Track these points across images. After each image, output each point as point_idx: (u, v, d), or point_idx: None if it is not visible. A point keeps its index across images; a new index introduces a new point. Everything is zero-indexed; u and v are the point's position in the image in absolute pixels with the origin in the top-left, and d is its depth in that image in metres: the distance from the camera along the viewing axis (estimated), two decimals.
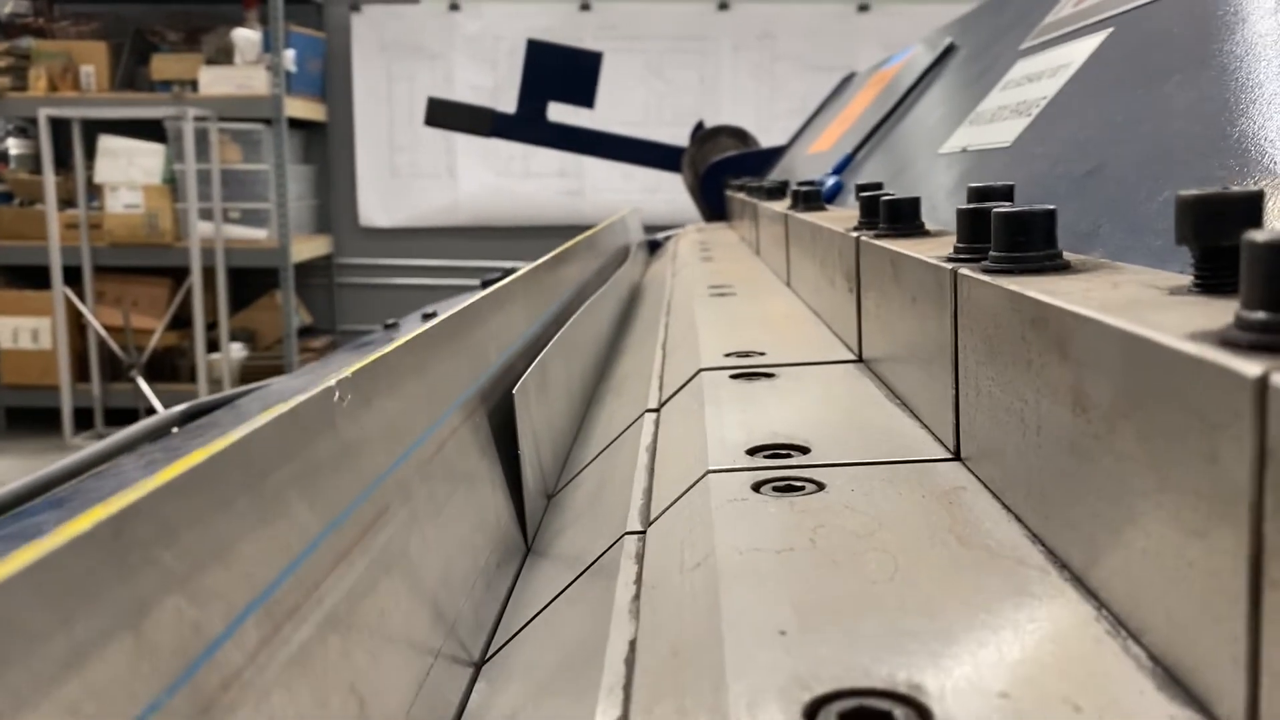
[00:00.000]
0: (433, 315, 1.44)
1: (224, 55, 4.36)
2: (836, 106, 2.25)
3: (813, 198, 1.04)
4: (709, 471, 0.48)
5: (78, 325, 4.24)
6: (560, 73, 2.59)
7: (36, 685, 0.22)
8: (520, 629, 0.50)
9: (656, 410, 0.70)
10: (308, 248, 4.52)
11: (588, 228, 1.48)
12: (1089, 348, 0.31)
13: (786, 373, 0.68)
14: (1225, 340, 0.25)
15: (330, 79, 4.73)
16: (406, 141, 4.70)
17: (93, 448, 0.93)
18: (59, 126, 4.13)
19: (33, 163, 4.39)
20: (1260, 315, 0.24)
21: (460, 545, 0.51)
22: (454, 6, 4.67)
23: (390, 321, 1.42)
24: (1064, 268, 0.40)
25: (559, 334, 0.84)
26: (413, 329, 0.53)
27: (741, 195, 1.82)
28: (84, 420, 4.21)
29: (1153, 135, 0.56)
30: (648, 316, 1.27)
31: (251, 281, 4.46)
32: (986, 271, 0.41)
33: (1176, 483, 0.26)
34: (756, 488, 0.45)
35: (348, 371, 0.41)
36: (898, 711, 0.27)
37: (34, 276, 4.23)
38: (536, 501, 0.66)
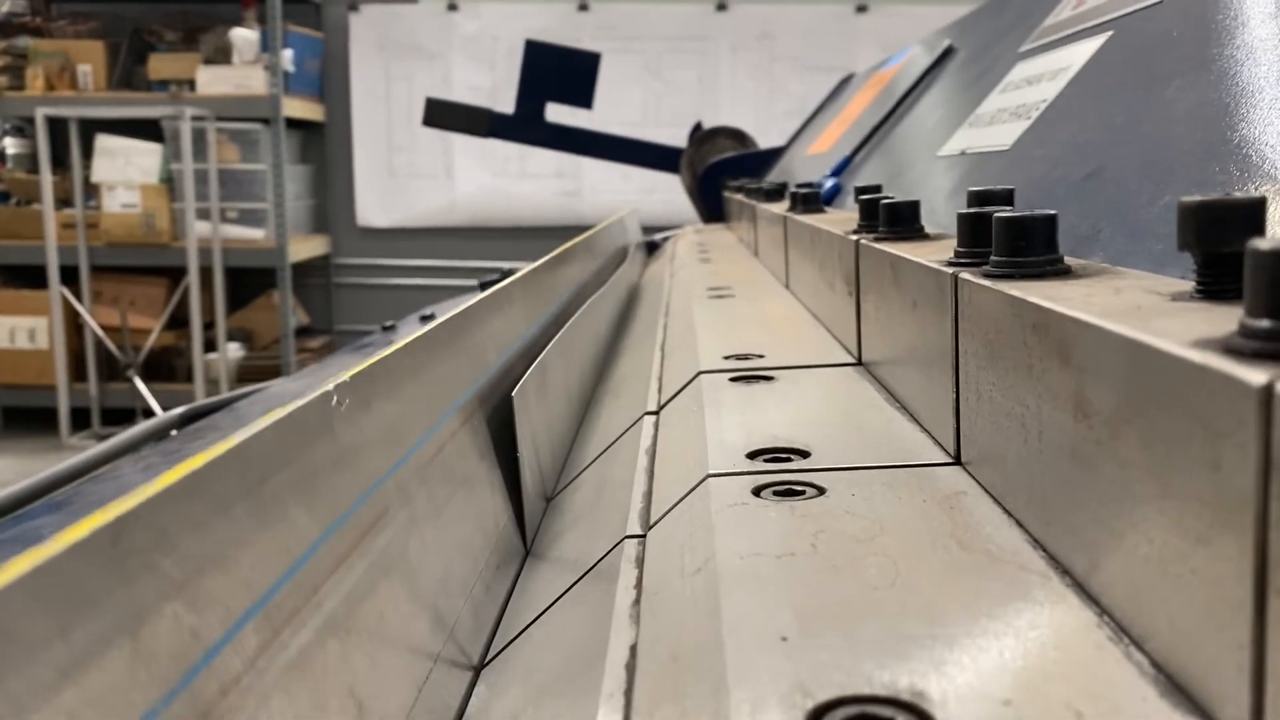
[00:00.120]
0: (431, 317, 1.44)
1: (222, 55, 4.36)
2: (835, 108, 2.25)
3: (811, 200, 1.03)
4: (709, 475, 0.48)
5: (75, 325, 4.24)
6: (558, 73, 2.59)
7: (35, 693, 0.22)
8: (520, 632, 0.50)
9: (656, 413, 0.70)
10: (305, 248, 4.51)
11: (585, 228, 1.48)
12: (1091, 354, 0.31)
13: (786, 376, 0.68)
14: (1229, 348, 0.25)
15: (328, 79, 4.73)
16: (404, 141, 4.70)
17: (91, 451, 0.93)
18: (56, 126, 4.12)
19: (30, 162, 4.38)
20: (1264, 323, 0.24)
21: (459, 548, 0.51)
22: (452, 6, 4.67)
23: (388, 324, 1.42)
24: (1065, 273, 0.40)
25: (558, 336, 0.84)
26: (411, 331, 0.53)
27: (740, 197, 1.82)
28: (81, 420, 4.20)
29: (1153, 139, 0.56)
30: (646, 317, 1.27)
31: (249, 281, 4.46)
32: (988, 276, 0.41)
33: (1179, 490, 0.26)
34: (757, 492, 0.45)
35: (346, 376, 0.41)
36: (900, 718, 0.27)
37: (31, 276, 4.22)
38: (535, 504, 0.66)
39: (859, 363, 0.70)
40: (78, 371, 4.23)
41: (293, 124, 4.42)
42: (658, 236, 2.35)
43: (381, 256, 4.80)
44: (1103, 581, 0.32)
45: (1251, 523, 0.23)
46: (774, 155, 2.47)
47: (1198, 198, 0.32)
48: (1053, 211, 0.41)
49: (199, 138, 4.09)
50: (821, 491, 0.44)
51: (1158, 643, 0.28)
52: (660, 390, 0.75)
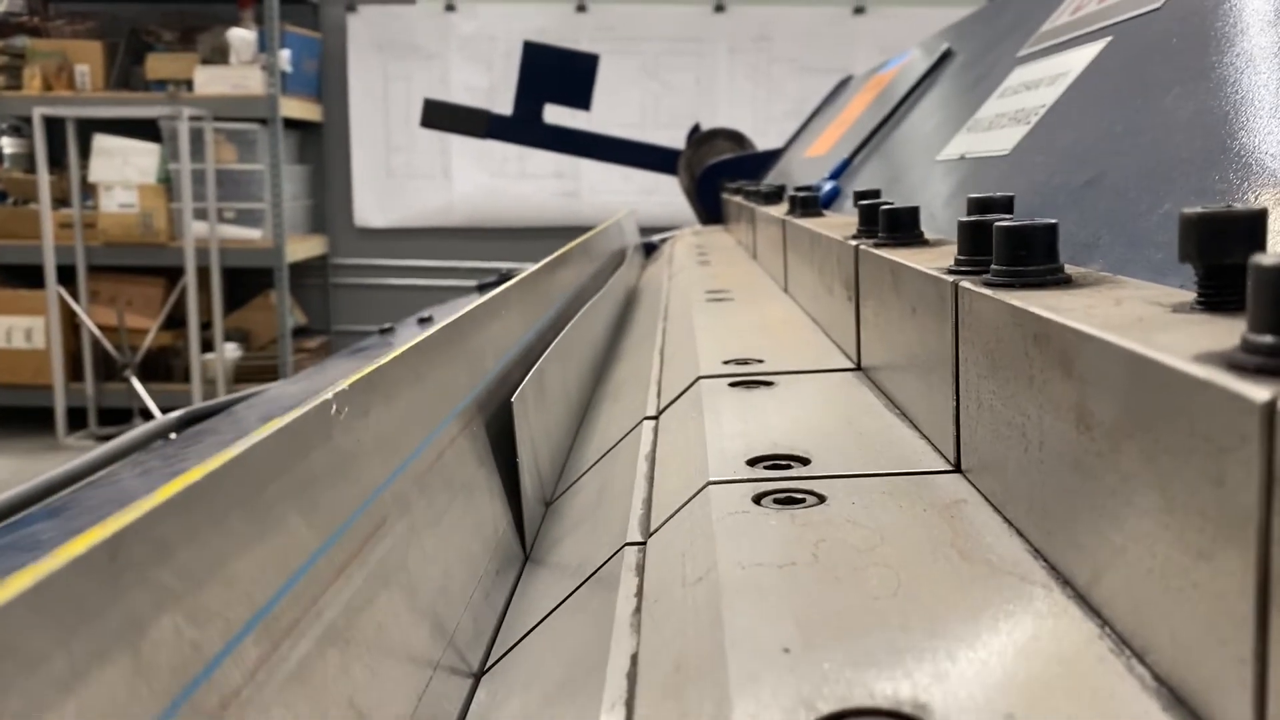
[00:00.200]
0: (429, 320, 1.44)
1: (219, 55, 4.35)
2: (833, 110, 2.25)
3: (810, 204, 1.03)
4: (709, 483, 0.48)
5: (72, 325, 4.23)
6: (557, 75, 2.59)
7: (35, 708, 0.22)
8: (520, 639, 0.50)
9: (655, 418, 0.70)
10: (303, 248, 4.51)
11: (584, 229, 1.48)
12: (1093, 366, 0.31)
13: (785, 381, 0.68)
14: (1232, 363, 0.25)
15: (326, 79, 4.73)
16: (402, 142, 4.70)
17: (89, 454, 0.93)
18: (53, 125, 4.12)
19: (27, 162, 4.38)
20: (1267, 339, 0.24)
21: (459, 555, 0.51)
22: (450, 7, 4.67)
23: (386, 326, 1.42)
24: (1066, 282, 0.40)
25: (556, 340, 0.84)
26: (409, 335, 0.53)
27: (738, 199, 1.82)
28: (78, 420, 4.19)
29: (1152, 146, 0.56)
30: (644, 320, 1.26)
31: (246, 281, 4.46)
32: (988, 285, 0.41)
33: (1182, 504, 0.26)
34: (757, 499, 0.45)
35: (345, 384, 0.41)
36: None
37: (28, 275, 4.22)
38: (535, 509, 0.66)
39: (858, 368, 0.70)
40: (74, 371, 4.23)
41: (290, 124, 4.41)
42: (656, 238, 2.35)
43: (379, 257, 4.80)
44: (1104, 593, 0.32)
45: (1254, 538, 0.23)
46: (772, 157, 2.47)
47: (1199, 209, 0.32)
48: (1053, 221, 0.41)
49: (196, 138, 4.09)
50: (822, 499, 0.44)
51: (1160, 656, 0.28)
52: (659, 395, 0.75)
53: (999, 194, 0.55)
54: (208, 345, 4.23)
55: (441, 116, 2.70)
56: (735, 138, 2.68)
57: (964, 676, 0.29)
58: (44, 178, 4.04)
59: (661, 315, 1.14)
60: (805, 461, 0.50)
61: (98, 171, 4.19)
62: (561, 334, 0.87)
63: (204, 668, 0.27)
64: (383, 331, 1.39)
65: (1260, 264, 0.24)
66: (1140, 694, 0.28)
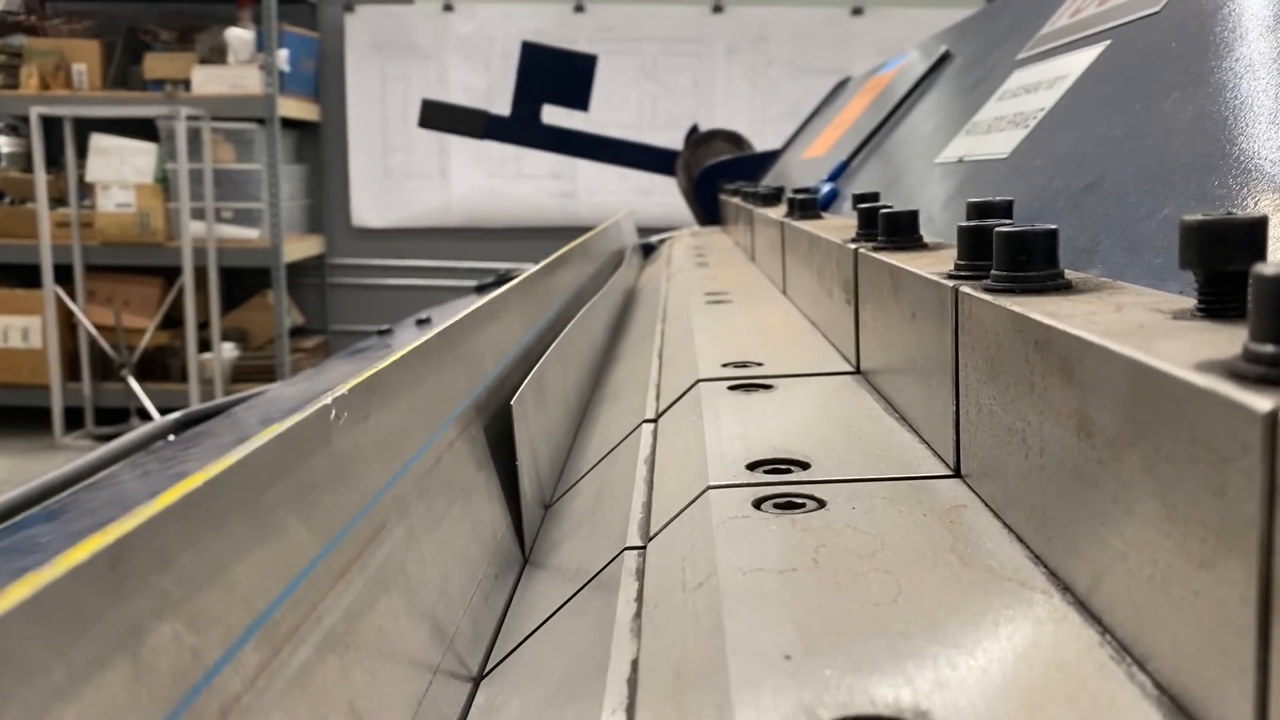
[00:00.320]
0: (427, 321, 1.44)
1: (217, 54, 4.35)
2: (831, 111, 2.26)
3: (809, 206, 1.03)
4: (709, 487, 0.48)
5: (68, 324, 4.23)
6: (555, 75, 2.59)
7: (36, 717, 0.22)
8: (519, 643, 0.50)
9: (654, 421, 0.70)
10: (300, 248, 4.51)
11: (581, 229, 1.48)
12: (1095, 373, 0.31)
13: (785, 384, 0.68)
14: (1234, 372, 0.25)
15: (324, 79, 4.73)
16: (399, 142, 4.69)
17: (87, 456, 0.92)
18: (51, 125, 4.12)
19: (24, 161, 4.37)
20: (1269, 349, 0.24)
21: (458, 559, 0.51)
22: (448, 7, 4.66)
23: (384, 328, 1.42)
24: (1066, 288, 0.40)
25: (555, 342, 0.84)
26: (407, 336, 0.53)
27: (736, 200, 1.82)
28: (74, 420, 4.19)
29: (1151, 151, 0.56)
30: (643, 322, 1.26)
31: (243, 281, 4.45)
32: (989, 291, 0.41)
33: (1183, 512, 0.26)
34: (758, 504, 0.45)
35: (344, 389, 0.41)
36: None
37: (25, 275, 4.21)
38: (534, 511, 0.66)
39: (857, 371, 0.70)
40: (71, 371, 4.22)
41: (288, 124, 4.41)
42: (654, 239, 2.35)
43: (376, 257, 4.80)
44: (1104, 600, 0.32)
45: (1256, 548, 0.23)
46: (770, 158, 2.47)
47: (1199, 216, 0.32)
48: (1054, 226, 0.41)
49: (194, 137, 4.08)
50: (822, 504, 0.44)
51: (1160, 664, 0.28)
52: (658, 398, 0.75)
53: (998, 198, 0.55)
54: (205, 345, 4.22)
55: (439, 117, 2.70)
56: (733, 139, 2.68)
57: (964, 684, 0.29)
58: (41, 177, 4.04)
59: (660, 317, 1.14)
60: (805, 466, 0.50)
61: (95, 171, 4.18)
62: (560, 336, 0.87)
63: (204, 675, 0.27)
64: (381, 333, 1.38)
65: (1262, 273, 0.24)
66: (1141, 702, 0.28)
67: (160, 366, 4.32)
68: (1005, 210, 0.54)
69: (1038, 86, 0.84)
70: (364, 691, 0.36)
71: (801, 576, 0.37)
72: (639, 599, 0.42)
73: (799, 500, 0.45)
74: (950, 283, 0.46)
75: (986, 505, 0.42)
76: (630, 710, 0.34)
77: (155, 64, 4.34)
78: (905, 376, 0.56)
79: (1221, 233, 0.31)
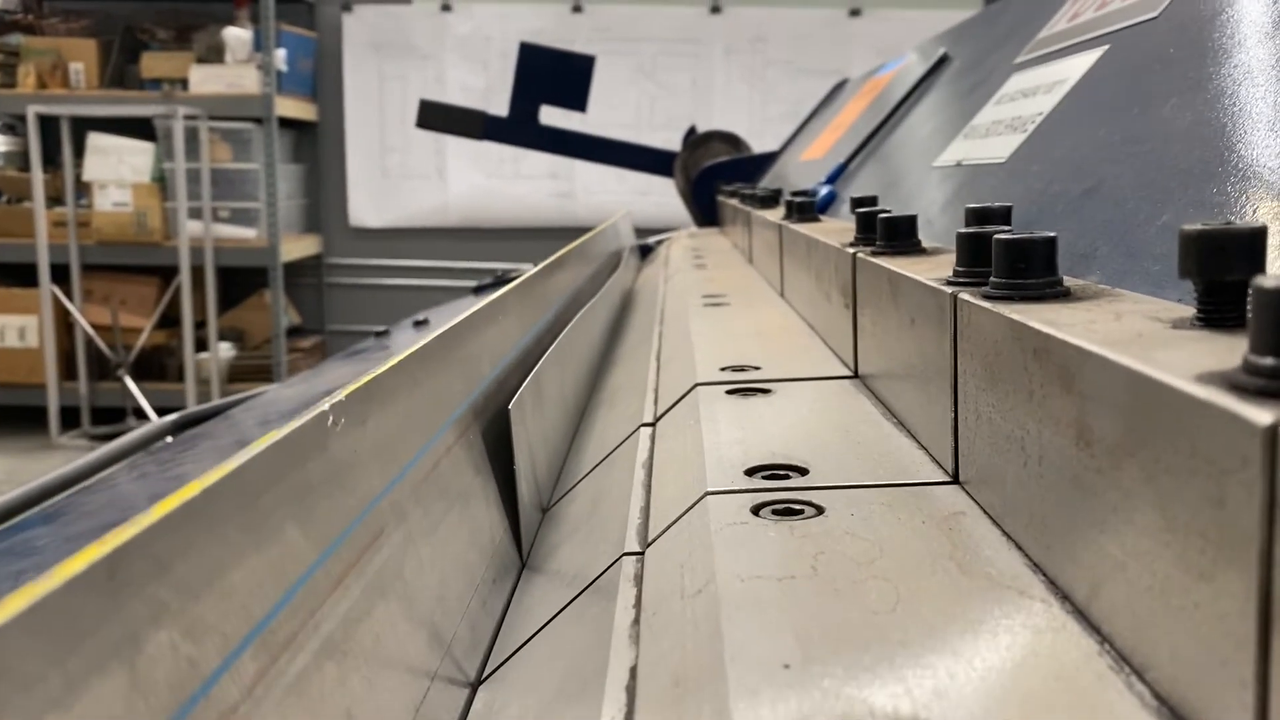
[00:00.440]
0: (424, 323, 1.43)
1: (215, 54, 4.34)
2: (829, 113, 2.26)
3: (806, 209, 1.03)
4: (708, 493, 0.48)
5: (65, 323, 4.22)
6: (553, 76, 2.59)
7: None
8: (518, 648, 0.50)
9: (652, 424, 0.70)
10: (297, 247, 4.50)
11: (579, 230, 1.48)
12: (1094, 383, 0.31)
13: (783, 388, 0.68)
14: (1234, 384, 0.25)
15: (321, 79, 4.72)
16: (397, 142, 4.69)
17: (85, 458, 0.92)
18: (48, 124, 4.11)
19: (21, 160, 4.37)
20: (1269, 361, 0.24)
21: (456, 564, 0.51)
22: (446, 7, 4.66)
23: (381, 330, 1.42)
24: (1065, 295, 0.40)
25: (553, 345, 0.84)
26: (405, 338, 0.53)
27: (734, 202, 1.82)
28: (71, 419, 4.18)
29: (1150, 157, 0.56)
30: (640, 324, 1.26)
31: (240, 281, 4.45)
32: (987, 298, 0.41)
33: (1183, 523, 0.26)
34: (756, 510, 0.45)
35: (341, 395, 0.41)
36: None
37: (21, 274, 4.20)
38: (532, 515, 0.66)
39: (855, 375, 0.70)
40: (68, 370, 4.21)
41: (285, 123, 4.40)
42: (652, 240, 2.35)
43: (374, 257, 4.79)
44: (1103, 609, 0.32)
45: (1256, 561, 0.23)
46: (768, 160, 2.47)
47: (1199, 226, 0.32)
48: (1052, 234, 0.41)
49: (191, 137, 4.08)
50: (820, 511, 0.44)
51: (1159, 674, 0.28)
52: (656, 402, 0.75)
53: (997, 204, 0.55)
54: (202, 345, 4.22)
55: (437, 118, 2.69)
56: (731, 140, 2.68)
57: (963, 693, 0.29)
58: (38, 176, 4.03)
59: (658, 319, 1.14)
60: (803, 471, 0.50)
61: (92, 170, 4.18)
62: (558, 339, 0.87)
63: (201, 684, 0.27)
64: (378, 335, 1.38)
65: (1262, 286, 0.24)
66: (1139, 712, 0.28)
67: (157, 366, 4.31)
68: (1004, 216, 0.54)
69: (1036, 91, 0.84)
70: (361, 699, 0.36)
71: (800, 584, 0.37)
72: (637, 605, 0.42)
73: (797, 506, 0.45)
74: (949, 289, 0.46)
75: (985, 512, 0.42)
76: (629, 718, 0.34)
77: (152, 63, 4.34)
78: (904, 382, 0.56)
79: (1220, 243, 0.31)
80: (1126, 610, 0.30)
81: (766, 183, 2.14)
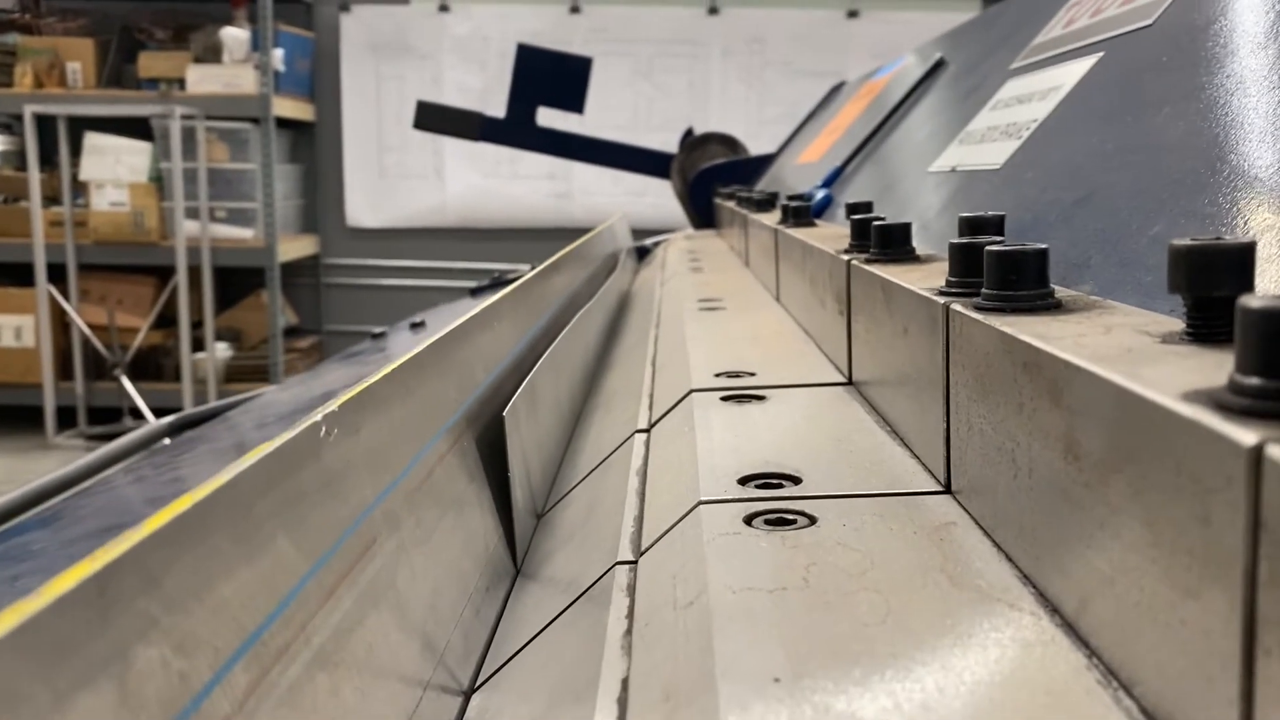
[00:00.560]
0: (421, 325, 1.43)
1: (212, 54, 4.34)
2: (826, 116, 2.26)
3: (802, 214, 1.04)
4: (701, 502, 0.48)
5: (61, 323, 4.22)
6: (550, 78, 2.59)
7: None
8: (511, 657, 0.50)
9: (647, 431, 0.70)
10: (294, 247, 4.50)
11: (576, 230, 1.48)
12: (1082, 398, 0.31)
13: (777, 395, 0.68)
14: (1219, 403, 0.25)
15: (319, 79, 4.72)
16: (395, 142, 4.69)
17: (81, 460, 0.92)
18: (44, 123, 4.10)
19: (18, 159, 4.36)
20: (1254, 381, 0.24)
21: (449, 572, 0.51)
22: (443, 8, 4.66)
23: (378, 331, 1.42)
24: (1056, 307, 0.41)
25: (548, 351, 0.84)
26: (401, 340, 0.53)
27: (731, 205, 1.82)
28: (67, 419, 4.18)
29: (1143, 166, 0.56)
30: (637, 327, 1.26)
31: (237, 281, 4.45)
32: (979, 309, 0.41)
33: (1169, 540, 0.26)
34: (749, 520, 0.45)
35: (334, 405, 0.41)
36: None
37: (18, 273, 4.20)
38: (526, 522, 0.66)
39: (849, 382, 0.70)
40: (64, 370, 4.21)
41: (283, 123, 4.40)
42: (649, 242, 2.35)
43: (371, 257, 4.79)
44: (1092, 623, 0.32)
45: (1241, 580, 0.23)
46: (765, 162, 2.47)
47: (1188, 241, 0.32)
48: (1044, 246, 0.42)
49: (188, 136, 4.08)
50: (813, 521, 0.44)
51: (1147, 689, 0.28)
52: (651, 408, 0.75)
53: (990, 213, 0.56)
54: (198, 345, 4.21)
55: (435, 119, 2.69)
56: (728, 142, 2.68)
57: (951, 708, 0.29)
58: (35, 176, 4.02)
59: (654, 323, 1.14)
60: (796, 480, 0.50)
61: (89, 170, 4.17)
62: (553, 344, 0.87)
63: (192, 699, 0.27)
64: (375, 337, 1.38)
65: (1248, 306, 0.24)
66: None
67: (154, 366, 4.31)
68: (997, 226, 0.54)
69: (1031, 97, 0.84)
70: (354, 710, 0.36)
71: (791, 596, 0.37)
72: (630, 616, 0.42)
73: (790, 516, 0.45)
74: (941, 300, 0.46)
75: (976, 523, 0.43)
76: None
77: (150, 63, 4.33)
78: (897, 390, 0.57)
79: (1209, 258, 0.32)
80: (1115, 625, 0.30)
81: (763, 185, 2.14)
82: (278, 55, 4.28)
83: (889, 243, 0.63)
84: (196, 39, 4.41)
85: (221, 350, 4.30)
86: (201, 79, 4.25)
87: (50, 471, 0.92)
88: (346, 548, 0.39)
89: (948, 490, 0.47)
